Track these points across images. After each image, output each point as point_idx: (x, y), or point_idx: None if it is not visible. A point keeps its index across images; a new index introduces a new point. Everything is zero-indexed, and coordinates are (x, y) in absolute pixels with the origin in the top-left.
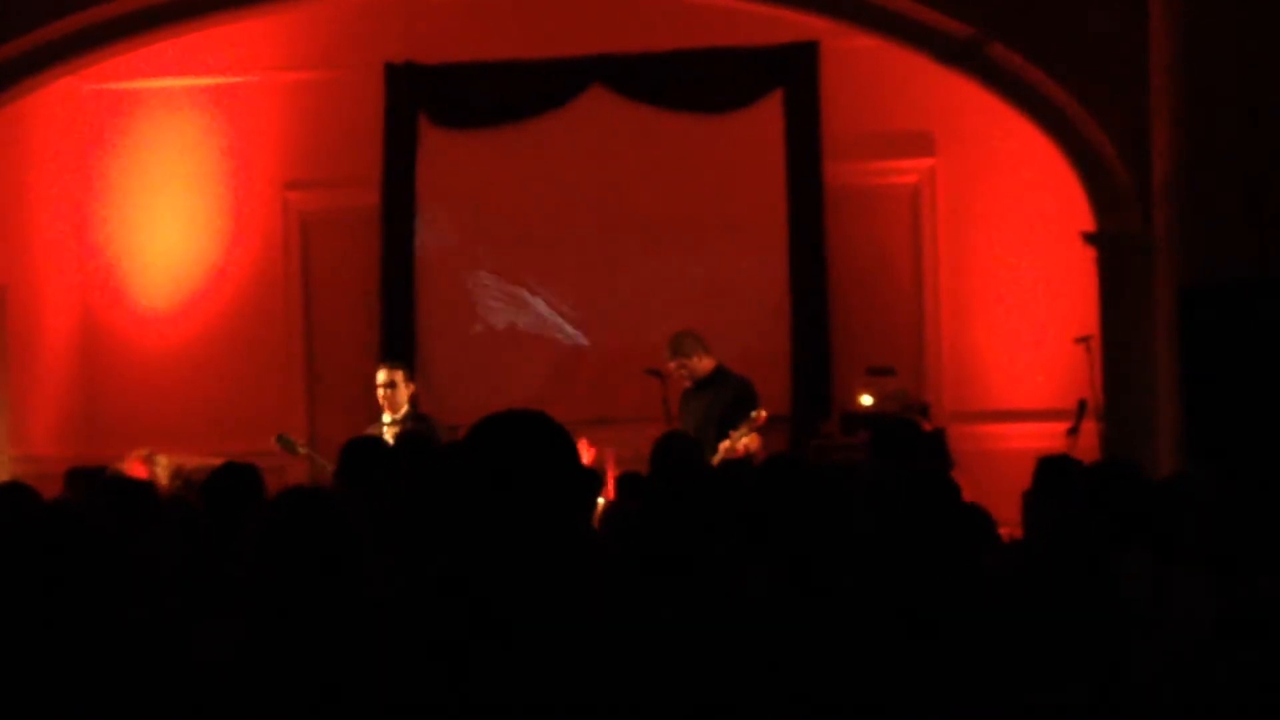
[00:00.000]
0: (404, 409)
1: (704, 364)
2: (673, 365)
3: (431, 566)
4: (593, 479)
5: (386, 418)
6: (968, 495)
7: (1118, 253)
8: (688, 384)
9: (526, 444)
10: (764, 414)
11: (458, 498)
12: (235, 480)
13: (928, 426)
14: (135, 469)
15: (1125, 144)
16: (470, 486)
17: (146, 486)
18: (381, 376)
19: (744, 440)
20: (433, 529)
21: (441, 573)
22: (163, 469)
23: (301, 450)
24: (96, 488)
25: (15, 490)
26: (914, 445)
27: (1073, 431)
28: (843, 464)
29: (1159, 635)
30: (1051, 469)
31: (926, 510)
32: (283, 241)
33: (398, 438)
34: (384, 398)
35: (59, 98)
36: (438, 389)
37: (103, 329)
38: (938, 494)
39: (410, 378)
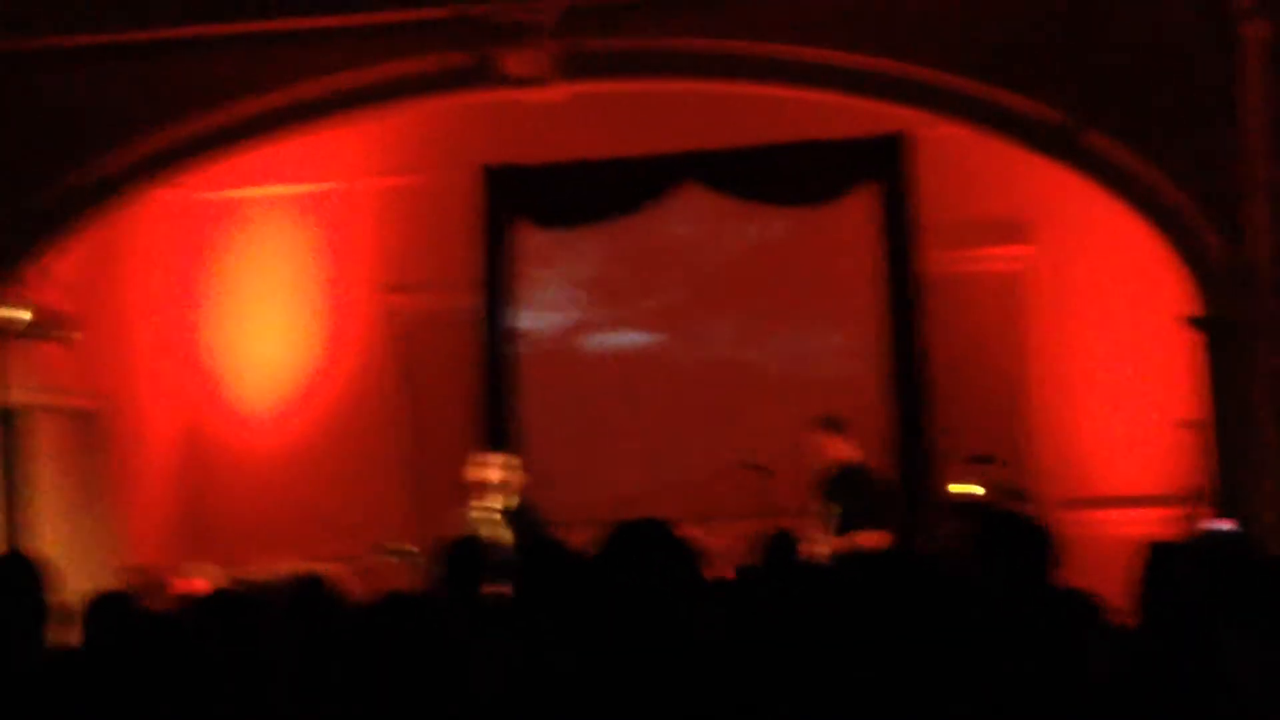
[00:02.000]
0: (509, 498)
1: (841, 451)
2: (817, 436)
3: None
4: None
5: (497, 503)
6: (1073, 583)
7: (1221, 337)
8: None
9: (658, 558)
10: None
11: (594, 605)
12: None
13: (1029, 512)
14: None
15: (1223, 226)
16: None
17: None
18: (482, 461)
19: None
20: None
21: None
22: (213, 579)
23: (402, 550)
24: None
25: (115, 600)
26: (1014, 536)
27: (1190, 517)
28: (946, 554)
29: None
30: (1162, 554)
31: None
32: (383, 345)
33: (528, 548)
34: (480, 482)
35: (158, 209)
36: (537, 486)
37: (208, 436)
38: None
39: (513, 467)
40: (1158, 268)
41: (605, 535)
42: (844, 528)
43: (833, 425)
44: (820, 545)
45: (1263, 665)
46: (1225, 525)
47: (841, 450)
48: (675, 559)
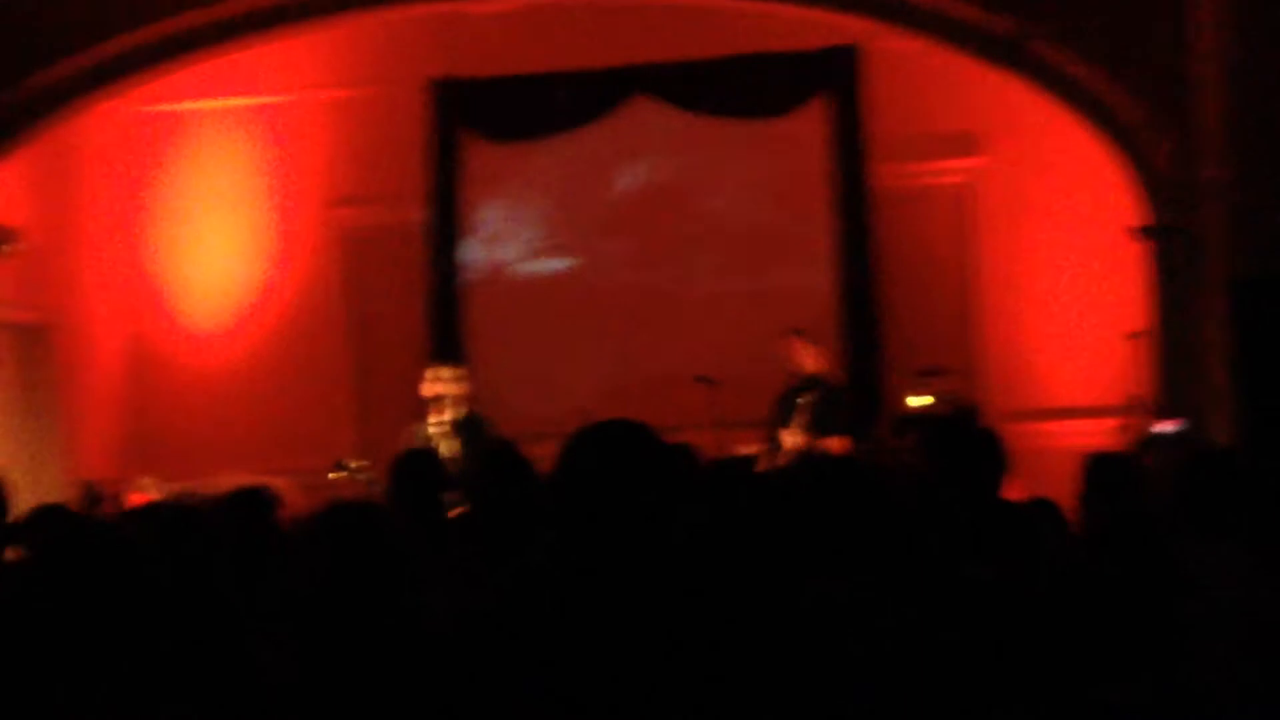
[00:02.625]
0: (462, 410)
1: (812, 360)
2: (795, 342)
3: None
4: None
5: (446, 417)
6: (1025, 494)
7: (1167, 246)
8: (792, 378)
9: (631, 455)
10: (810, 398)
11: (561, 507)
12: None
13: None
14: (135, 499)
15: (1173, 136)
16: (573, 496)
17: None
18: (435, 374)
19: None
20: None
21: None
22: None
23: (355, 467)
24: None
25: (56, 512)
26: (965, 447)
27: (1127, 427)
28: (894, 466)
29: (1223, 621)
30: (1102, 465)
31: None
32: (330, 259)
33: (484, 454)
34: (439, 396)
35: (103, 120)
36: (487, 401)
37: (154, 351)
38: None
39: (461, 378)
40: (1108, 178)
41: (572, 437)
42: (812, 433)
43: (806, 335)
44: (785, 446)
45: (1218, 563)
46: (1172, 426)
47: (812, 359)
48: (652, 460)
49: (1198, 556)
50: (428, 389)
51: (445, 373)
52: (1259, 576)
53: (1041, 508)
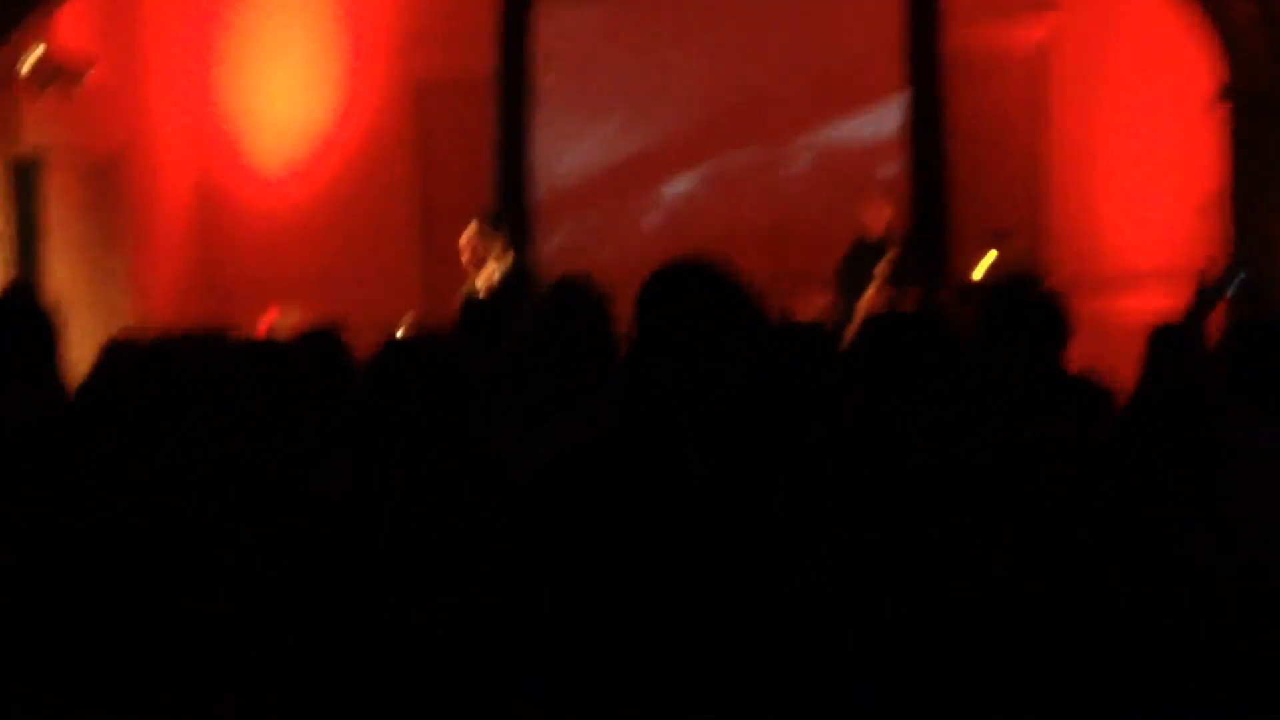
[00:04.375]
0: (506, 262)
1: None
2: (874, 202)
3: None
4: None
5: (488, 271)
6: (1087, 362)
7: (1250, 111)
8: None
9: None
10: (885, 264)
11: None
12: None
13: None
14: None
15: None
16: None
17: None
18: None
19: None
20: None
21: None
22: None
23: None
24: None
25: (129, 343)
26: (1026, 317)
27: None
28: (958, 332)
29: (1267, 490)
30: (1163, 336)
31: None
32: (399, 107)
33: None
34: (468, 259)
35: None
36: (550, 259)
37: (220, 190)
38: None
39: (500, 233)
40: (1186, 44)
41: (648, 280)
42: (883, 288)
43: (885, 195)
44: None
45: (1266, 434)
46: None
47: (886, 219)
48: (727, 299)
49: (1245, 428)
50: (462, 253)
51: (467, 232)
52: None
53: (1083, 383)
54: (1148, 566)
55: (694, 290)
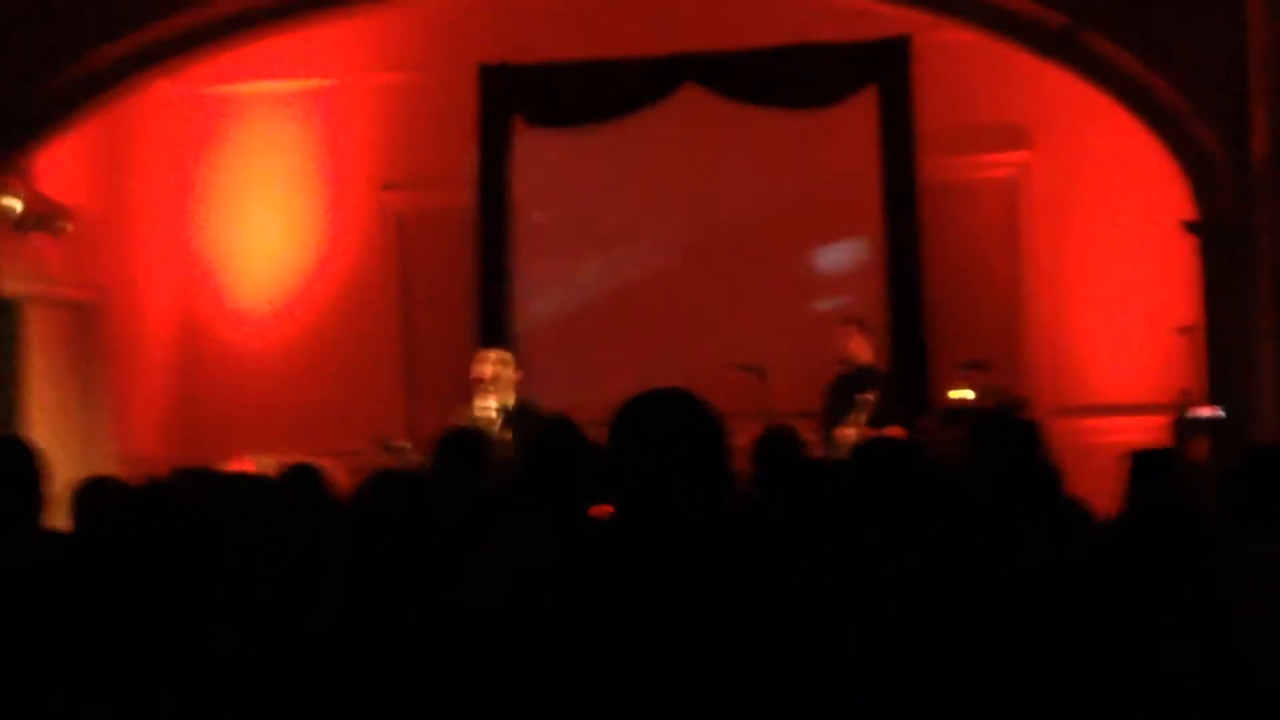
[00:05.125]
0: (507, 396)
1: (865, 351)
2: (853, 331)
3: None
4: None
5: (492, 403)
6: (1068, 491)
7: (1218, 240)
8: (845, 368)
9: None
10: (873, 395)
11: (621, 476)
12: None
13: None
14: (242, 468)
15: (1223, 129)
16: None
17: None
18: (489, 357)
19: (855, 429)
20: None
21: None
22: (265, 470)
23: (399, 447)
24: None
25: (107, 483)
26: (1012, 440)
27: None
28: (941, 458)
29: (1264, 614)
30: (1145, 461)
31: (1024, 503)
32: (380, 242)
33: (543, 424)
34: (490, 379)
35: (157, 102)
36: (533, 386)
37: (204, 331)
38: (1036, 486)
39: (510, 363)
40: (1157, 172)
41: (622, 406)
42: (870, 423)
43: (862, 325)
44: (844, 436)
45: (1266, 555)
46: (1209, 412)
47: (865, 350)
48: (702, 428)
49: (1245, 549)
50: (479, 370)
51: (496, 355)
52: None
53: (1067, 506)
54: (1139, 682)
55: (665, 414)
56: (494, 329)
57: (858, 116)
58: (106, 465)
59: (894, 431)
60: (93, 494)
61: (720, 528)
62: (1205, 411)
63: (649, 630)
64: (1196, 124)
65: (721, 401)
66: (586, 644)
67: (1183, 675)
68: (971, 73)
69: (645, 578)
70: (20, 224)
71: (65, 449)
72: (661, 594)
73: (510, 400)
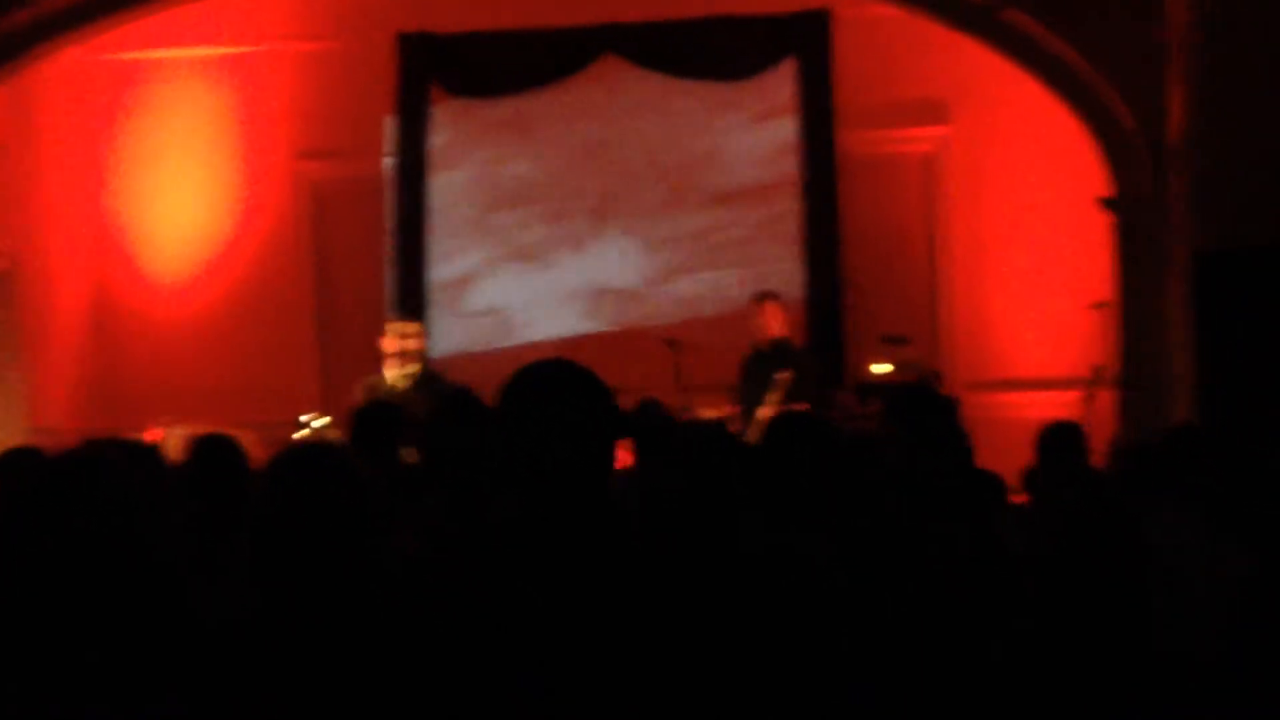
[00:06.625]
0: (417, 366)
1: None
2: (768, 306)
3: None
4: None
5: (405, 370)
6: (980, 464)
7: (1133, 217)
8: (760, 343)
9: (576, 391)
10: (788, 374)
11: (508, 450)
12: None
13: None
14: (152, 439)
15: (1140, 107)
16: (519, 436)
17: (153, 450)
18: (399, 330)
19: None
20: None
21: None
22: (177, 440)
23: (317, 424)
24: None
25: (24, 453)
26: (928, 414)
27: (1089, 398)
28: (857, 432)
29: (1190, 595)
30: (1057, 435)
31: (941, 477)
32: (295, 211)
33: (443, 400)
34: (398, 351)
35: (68, 69)
36: (444, 357)
37: (116, 302)
38: (951, 461)
39: (420, 335)
40: (1074, 149)
41: (511, 379)
42: (785, 398)
43: (776, 300)
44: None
45: (1179, 531)
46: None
47: (780, 324)
48: (587, 399)
49: (1160, 524)
50: (389, 344)
51: (408, 328)
52: (1220, 546)
53: (985, 478)
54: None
55: (551, 381)
56: (408, 298)
57: (777, 89)
58: (18, 437)
59: (799, 407)
60: (11, 466)
61: (600, 503)
62: None
63: (539, 607)
64: (1114, 101)
65: (637, 375)
66: (488, 619)
67: (1098, 647)
68: (891, 47)
69: (534, 555)
70: None
71: None
72: (561, 598)
73: (417, 369)
